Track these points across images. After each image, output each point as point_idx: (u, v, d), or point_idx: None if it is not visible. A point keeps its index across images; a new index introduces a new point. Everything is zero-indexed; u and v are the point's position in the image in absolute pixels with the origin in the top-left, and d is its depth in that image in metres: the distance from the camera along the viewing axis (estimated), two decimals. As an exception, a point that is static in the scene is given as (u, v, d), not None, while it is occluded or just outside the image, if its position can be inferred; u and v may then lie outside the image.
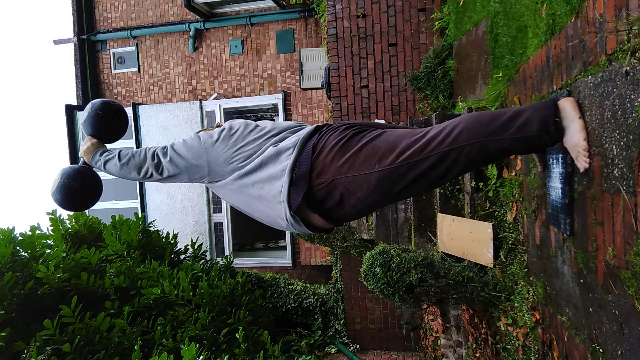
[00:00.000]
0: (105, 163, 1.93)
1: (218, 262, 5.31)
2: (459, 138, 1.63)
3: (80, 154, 2.01)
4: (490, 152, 1.67)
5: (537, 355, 2.76)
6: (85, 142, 2.00)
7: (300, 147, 1.71)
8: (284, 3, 7.44)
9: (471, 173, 3.63)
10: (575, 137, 1.72)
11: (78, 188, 1.94)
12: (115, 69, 8.46)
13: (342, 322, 5.64)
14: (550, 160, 2.12)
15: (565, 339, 2.28)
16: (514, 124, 1.63)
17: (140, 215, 5.01)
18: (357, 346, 5.58)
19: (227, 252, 7.40)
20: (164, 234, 5.23)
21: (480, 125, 1.65)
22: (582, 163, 1.78)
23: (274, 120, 7.96)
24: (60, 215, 4.77)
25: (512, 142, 1.65)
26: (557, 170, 2.06)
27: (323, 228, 1.82)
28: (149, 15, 8.24)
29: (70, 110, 7.85)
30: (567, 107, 1.71)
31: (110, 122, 1.99)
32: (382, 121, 4.50)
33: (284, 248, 7.68)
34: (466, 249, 3.70)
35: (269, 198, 1.72)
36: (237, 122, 1.89)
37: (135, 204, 7.73)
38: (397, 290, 3.50)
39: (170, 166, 1.83)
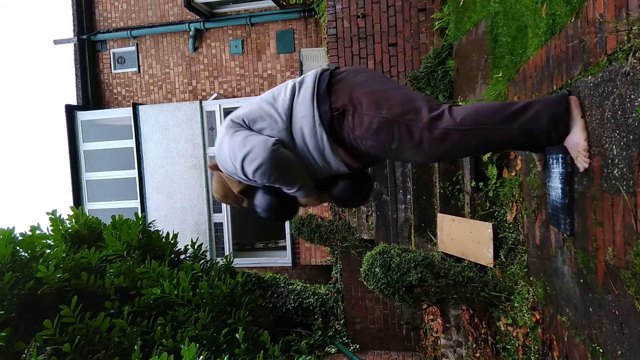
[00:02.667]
0: None
1: (218, 262, 5.31)
2: (465, 120, 1.62)
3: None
4: (494, 141, 1.66)
5: (537, 355, 2.76)
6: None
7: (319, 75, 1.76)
8: (284, 3, 7.44)
9: (471, 173, 3.63)
10: (576, 136, 1.71)
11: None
12: (115, 69, 8.46)
13: (342, 322, 5.64)
14: (550, 160, 2.12)
15: (565, 339, 2.28)
16: (524, 116, 1.62)
17: (140, 215, 5.01)
18: (357, 346, 5.58)
19: (227, 252, 7.40)
20: (164, 234, 5.23)
21: (489, 112, 1.63)
22: (582, 163, 1.78)
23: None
24: (60, 215, 4.77)
25: (519, 134, 1.63)
26: (557, 170, 2.06)
27: (350, 166, 1.83)
28: (149, 15, 8.24)
29: (70, 110, 7.85)
30: (572, 105, 1.71)
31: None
32: None
33: (284, 248, 7.68)
34: (466, 249, 3.70)
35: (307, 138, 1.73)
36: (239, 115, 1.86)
37: (135, 204, 7.73)
38: (397, 290, 3.50)
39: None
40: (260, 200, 1.90)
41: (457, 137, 1.62)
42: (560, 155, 1.99)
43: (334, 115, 1.70)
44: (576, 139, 1.72)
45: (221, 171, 1.91)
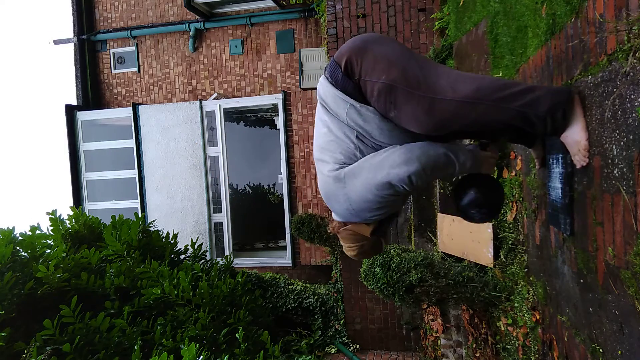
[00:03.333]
0: None
1: (218, 262, 5.31)
2: (464, 92, 1.60)
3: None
4: (490, 118, 1.63)
5: (537, 355, 2.76)
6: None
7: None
8: (284, 3, 7.44)
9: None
10: (577, 135, 1.71)
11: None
12: (115, 69, 8.46)
13: (342, 322, 5.64)
14: (550, 160, 2.12)
15: (565, 339, 2.28)
16: (524, 98, 1.60)
17: (140, 215, 5.01)
18: (357, 346, 5.58)
19: (227, 252, 7.40)
20: (164, 234, 5.23)
21: (491, 89, 1.60)
22: (580, 161, 1.78)
23: (273, 120, 7.98)
24: (60, 215, 4.77)
25: (515, 115, 1.61)
26: (557, 170, 2.06)
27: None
28: (149, 15, 8.24)
29: (70, 110, 7.85)
30: (576, 102, 1.70)
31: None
32: None
33: (284, 248, 7.68)
34: (466, 249, 3.70)
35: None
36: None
37: (135, 204, 7.73)
38: (397, 290, 3.50)
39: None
40: (470, 200, 1.88)
41: (454, 107, 1.60)
42: (560, 155, 2.00)
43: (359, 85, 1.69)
44: (577, 137, 1.72)
45: (346, 226, 1.88)
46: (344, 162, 1.77)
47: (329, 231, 1.99)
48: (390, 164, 1.66)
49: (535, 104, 1.61)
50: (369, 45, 1.71)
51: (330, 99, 1.75)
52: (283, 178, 7.24)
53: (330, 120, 1.78)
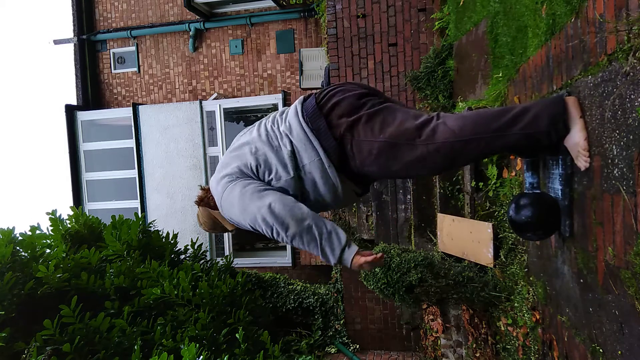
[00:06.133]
0: None
1: (218, 262, 5.30)
2: (464, 130, 1.63)
3: None
4: (496, 146, 1.67)
5: (537, 355, 2.76)
6: None
7: (301, 106, 1.76)
8: (284, 3, 7.44)
9: (471, 173, 3.63)
10: (576, 136, 1.72)
11: None
12: (115, 69, 8.46)
13: (342, 322, 5.64)
14: (550, 161, 2.12)
15: (565, 339, 2.28)
16: (523, 120, 1.63)
17: (140, 215, 5.01)
18: (357, 346, 5.57)
19: (227, 252, 7.40)
20: (164, 234, 5.22)
21: (488, 119, 1.64)
22: (582, 162, 1.78)
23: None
24: (60, 215, 4.77)
25: (520, 137, 1.64)
26: (557, 171, 2.06)
27: (355, 192, 1.85)
28: (149, 15, 8.24)
29: (70, 110, 7.85)
30: (570, 105, 1.71)
31: None
32: None
33: (284, 248, 7.68)
34: (466, 249, 3.70)
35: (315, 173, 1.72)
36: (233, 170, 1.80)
37: (135, 204, 7.73)
38: (397, 290, 3.50)
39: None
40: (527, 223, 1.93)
41: (459, 148, 1.63)
42: (560, 156, 2.00)
43: (338, 147, 1.69)
44: (576, 139, 1.73)
45: (210, 208, 1.91)
46: (240, 176, 1.75)
47: (194, 201, 2.04)
48: (255, 213, 1.66)
49: (536, 122, 1.63)
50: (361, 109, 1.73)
51: (300, 140, 1.71)
52: (283, 178, 7.22)
53: (268, 143, 1.75)
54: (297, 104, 1.79)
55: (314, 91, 1.88)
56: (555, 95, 1.78)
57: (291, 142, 1.71)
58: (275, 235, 1.66)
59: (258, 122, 1.90)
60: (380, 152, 1.66)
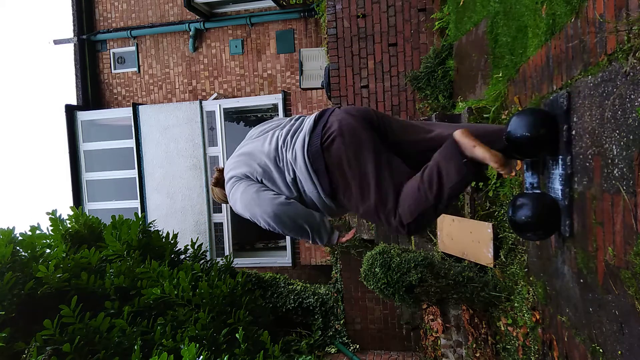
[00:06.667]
0: None
1: (218, 262, 5.31)
2: (410, 215, 1.76)
3: None
4: (447, 202, 1.77)
5: (537, 355, 2.76)
6: None
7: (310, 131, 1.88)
8: (284, 3, 7.44)
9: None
10: (486, 159, 1.73)
11: None
12: (115, 69, 8.46)
13: (342, 322, 5.64)
14: (550, 161, 2.12)
15: (565, 339, 2.28)
16: (441, 183, 1.72)
17: (140, 215, 5.01)
18: (357, 346, 5.58)
19: (227, 252, 7.40)
20: (164, 234, 5.23)
21: (418, 199, 1.75)
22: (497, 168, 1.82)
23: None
24: (60, 215, 4.77)
25: (456, 189, 1.74)
26: (557, 171, 2.07)
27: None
28: (149, 15, 8.24)
29: (70, 110, 7.84)
30: (461, 140, 1.74)
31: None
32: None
33: (284, 248, 7.68)
34: (466, 249, 3.70)
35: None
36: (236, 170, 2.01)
37: (135, 204, 7.73)
38: (397, 290, 3.50)
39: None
40: (526, 224, 1.97)
41: (417, 223, 1.79)
42: (560, 156, 2.00)
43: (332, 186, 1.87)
44: (487, 161, 1.74)
45: (225, 189, 2.08)
46: (245, 179, 1.95)
47: (211, 182, 2.22)
48: (260, 213, 1.88)
49: (450, 177, 1.72)
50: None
51: (302, 173, 1.86)
52: (283, 178, 7.22)
53: (275, 164, 1.92)
54: (306, 132, 1.88)
55: (329, 108, 1.99)
56: (446, 143, 1.81)
57: (294, 171, 1.87)
58: (271, 229, 1.92)
59: (272, 129, 2.02)
60: (365, 214, 1.86)
